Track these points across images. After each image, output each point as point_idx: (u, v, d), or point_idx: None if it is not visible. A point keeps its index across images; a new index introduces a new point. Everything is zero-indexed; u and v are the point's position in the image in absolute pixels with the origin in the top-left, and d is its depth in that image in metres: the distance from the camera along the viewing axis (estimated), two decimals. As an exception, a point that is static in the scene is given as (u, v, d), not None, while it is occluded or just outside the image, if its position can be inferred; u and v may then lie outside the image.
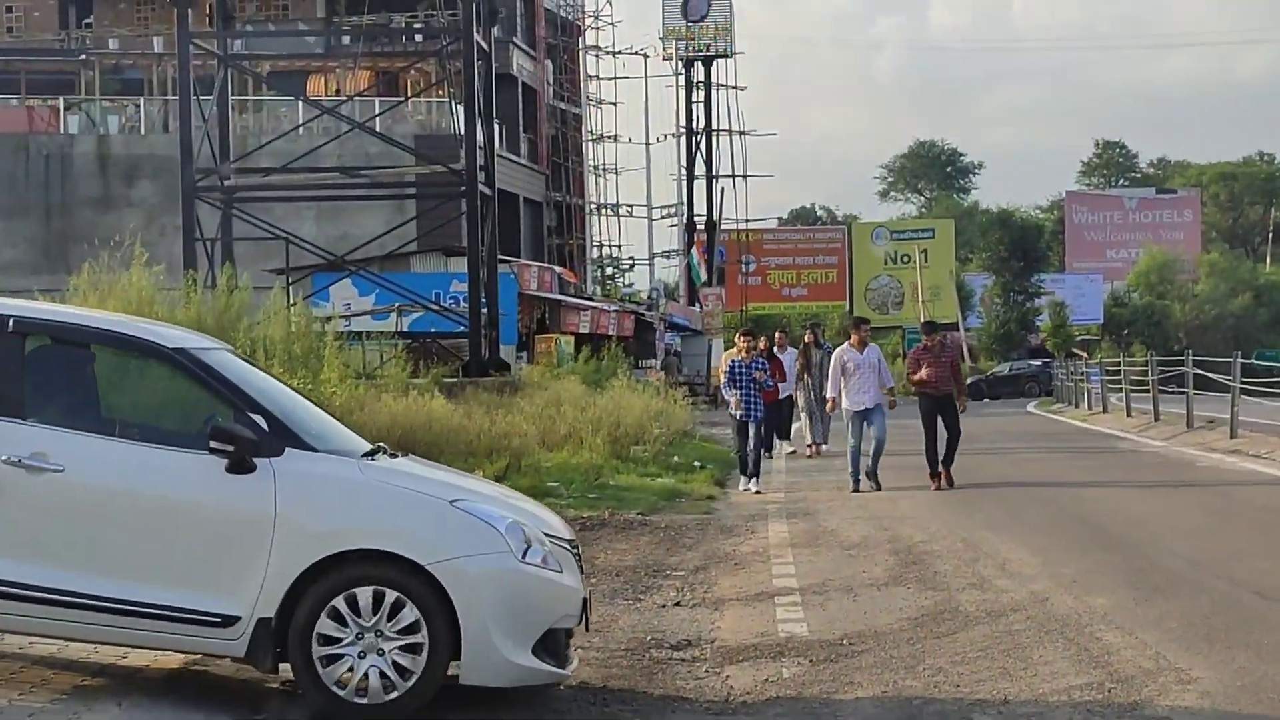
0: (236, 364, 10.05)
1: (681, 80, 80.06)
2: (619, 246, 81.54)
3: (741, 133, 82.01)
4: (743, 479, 22.48)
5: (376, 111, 48.54)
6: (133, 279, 21.83)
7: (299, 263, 38.27)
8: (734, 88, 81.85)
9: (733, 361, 22.75)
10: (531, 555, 9.05)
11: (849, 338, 22.81)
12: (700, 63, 79.89)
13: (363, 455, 9.63)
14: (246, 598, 8.82)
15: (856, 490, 21.31)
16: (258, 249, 37.35)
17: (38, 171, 52.05)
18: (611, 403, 27.71)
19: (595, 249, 77.85)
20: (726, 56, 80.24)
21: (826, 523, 18.34)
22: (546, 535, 9.35)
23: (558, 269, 57.13)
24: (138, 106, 54.63)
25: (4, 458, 8.85)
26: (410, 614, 8.80)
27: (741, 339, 23.33)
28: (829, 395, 22.71)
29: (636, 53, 78.63)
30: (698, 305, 70.99)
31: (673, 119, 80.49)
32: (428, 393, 24.08)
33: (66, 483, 8.93)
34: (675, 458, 26.22)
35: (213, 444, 8.88)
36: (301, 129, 44.79)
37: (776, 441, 28.74)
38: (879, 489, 21.33)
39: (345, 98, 49.23)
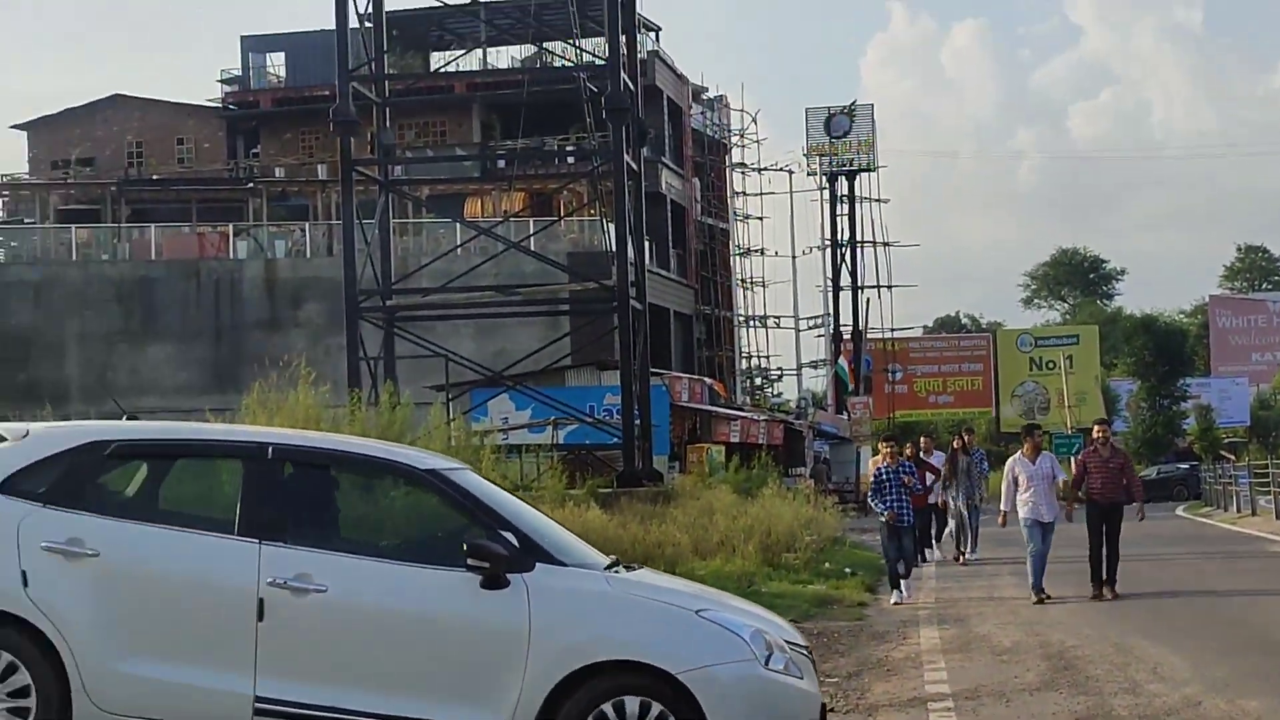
0: (482, 483, 10.22)
1: (826, 195, 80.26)
2: (767, 357, 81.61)
3: (885, 244, 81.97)
4: (893, 591, 22.14)
5: (531, 231, 49.01)
6: (300, 397, 22.09)
7: (458, 379, 38.59)
8: (877, 200, 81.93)
9: (879, 468, 22.52)
10: (774, 662, 9.11)
11: (1024, 447, 22.08)
12: (844, 177, 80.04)
13: (604, 568, 9.73)
14: (505, 709, 8.92)
15: (1039, 600, 20.38)
16: (418, 366, 37.69)
17: (208, 295, 53.05)
18: (762, 510, 27.56)
19: (744, 360, 77.92)
20: (869, 170, 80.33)
21: (978, 628, 18.12)
22: (786, 642, 9.41)
23: (708, 380, 57.19)
24: (303, 231, 55.59)
25: (270, 580, 9.03)
26: None
27: (884, 445, 23.09)
28: (1002, 509, 21.82)
29: (781, 169, 79.19)
30: (845, 414, 70.63)
31: (818, 232, 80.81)
32: (584, 503, 24.15)
33: (330, 603, 9.07)
34: (826, 564, 26.00)
35: (469, 561, 9.01)
36: (459, 249, 45.34)
37: (928, 550, 28.46)
38: (1048, 599, 20.44)
39: (501, 219, 49.73)
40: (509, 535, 9.20)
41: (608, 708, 8.90)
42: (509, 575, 9.02)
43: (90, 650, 9.00)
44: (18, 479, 9.38)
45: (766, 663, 9.07)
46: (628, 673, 8.97)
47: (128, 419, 10.81)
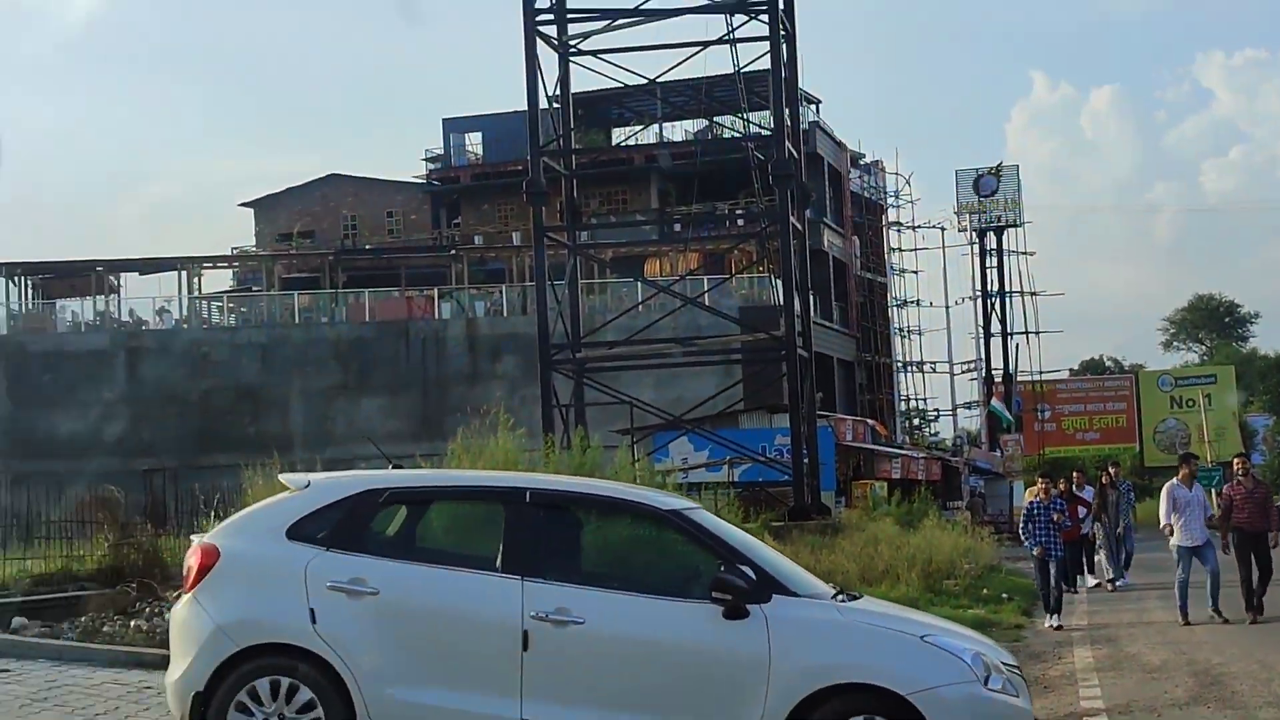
0: (718, 521, 10.33)
1: (976, 249, 79.61)
2: (924, 399, 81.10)
3: (1032, 293, 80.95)
4: (1048, 615, 21.82)
5: (705, 288, 49.17)
6: (499, 442, 22.28)
7: (641, 423, 38.74)
8: (1024, 253, 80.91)
9: (1032, 502, 22.27)
10: (993, 682, 9.13)
11: (1179, 473, 21.74)
12: (992, 232, 79.30)
13: (831, 596, 9.77)
14: None
15: (1186, 623, 20.00)
16: (605, 412, 37.92)
17: (416, 352, 53.88)
18: (923, 541, 27.40)
19: (903, 402, 77.66)
20: (1016, 226, 79.52)
21: (1128, 648, 17.86)
22: (1001, 663, 9.43)
23: (870, 421, 56.98)
24: (500, 292, 56.26)
25: (533, 613, 9.14)
26: None
27: (1041, 481, 22.85)
28: (1163, 523, 21.42)
29: (934, 226, 78.72)
30: (998, 450, 69.94)
31: (969, 283, 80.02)
32: (758, 536, 24.11)
33: (587, 634, 9.15)
34: (984, 590, 25.74)
35: (714, 594, 9.07)
36: (640, 306, 45.54)
37: (1080, 577, 28.05)
38: (1226, 621, 19.95)
39: (678, 277, 50.03)
40: (747, 569, 9.24)
41: None
42: (748, 606, 9.06)
43: (372, 680, 9.19)
44: (303, 525, 9.62)
45: (986, 682, 9.08)
46: (861, 694, 8.98)
47: (393, 467, 11.02)
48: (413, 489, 10.20)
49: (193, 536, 10.46)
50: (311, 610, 9.27)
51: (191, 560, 9.72)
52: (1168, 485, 21.52)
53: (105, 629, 16.65)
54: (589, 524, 10.06)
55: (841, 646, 9.16)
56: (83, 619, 17.26)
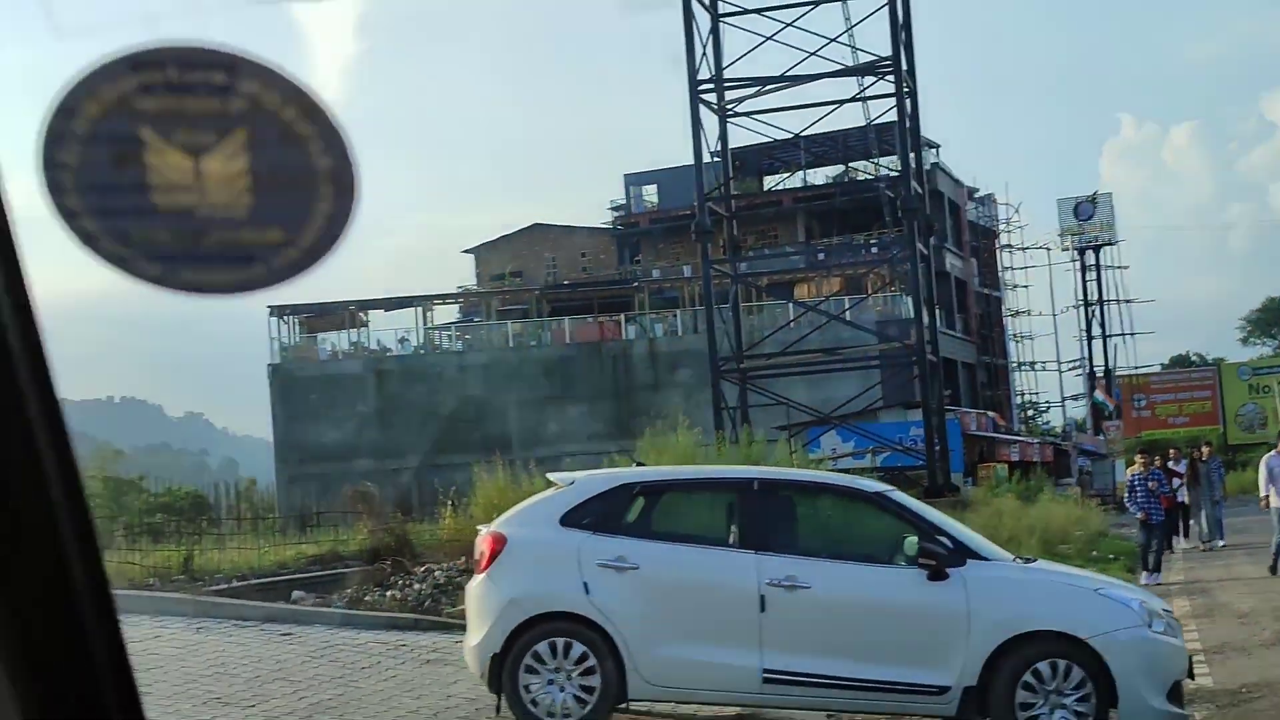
0: (913, 500, 10.42)
1: (1077, 265, 78.31)
2: (1036, 394, 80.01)
3: (1127, 301, 79.52)
4: (1144, 572, 21.33)
5: (846, 306, 48.80)
6: (679, 439, 22.34)
7: (796, 420, 38.60)
8: (1118, 267, 79.51)
9: (1133, 475, 21.92)
10: (1156, 626, 9.08)
11: (1273, 449, 21.08)
12: (1091, 250, 77.93)
13: (1013, 559, 9.81)
14: (953, 673, 8.98)
15: (1274, 574, 19.38)
16: (765, 412, 37.81)
17: (608, 367, 54.11)
18: (1040, 512, 27.01)
19: (1018, 397, 76.48)
20: (1110, 244, 78.10)
21: (1220, 598, 17.40)
22: (1160, 609, 9.39)
23: (990, 414, 56.14)
24: (675, 316, 56.28)
25: (768, 581, 9.21)
26: (1078, 676, 8.87)
27: (1139, 457, 22.52)
28: (1262, 495, 20.87)
29: (1040, 247, 77.45)
30: (1102, 435, 68.52)
31: (1072, 294, 78.79)
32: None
33: (814, 597, 9.23)
34: (1094, 552, 25.17)
35: (920, 560, 9.11)
36: (792, 323, 45.39)
37: (1176, 539, 27.33)
38: None
39: (823, 298, 49.76)
40: (944, 539, 9.30)
41: (1039, 667, 8.90)
42: (948, 570, 9.09)
43: (637, 638, 9.29)
44: (572, 514, 9.73)
45: (1150, 626, 9.02)
46: (1047, 640, 8.96)
47: (637, 465, 11.21)
48: (659, 482, 10.35)
49: (479, 528, 10.63)
50: (585, 584, 9.39)
51: (483, 546, 9.85)
52: (1265, 458, 20.94)
53: (366, 599, 16.95)
54: (807, 506, 10.15)
55: (1028, 601, 9.16)
56: (348, 591, 17.57)
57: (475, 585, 9.89)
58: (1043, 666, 8.87)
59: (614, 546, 9.50)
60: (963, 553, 9.24)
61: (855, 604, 9.27)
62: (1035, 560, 10.39)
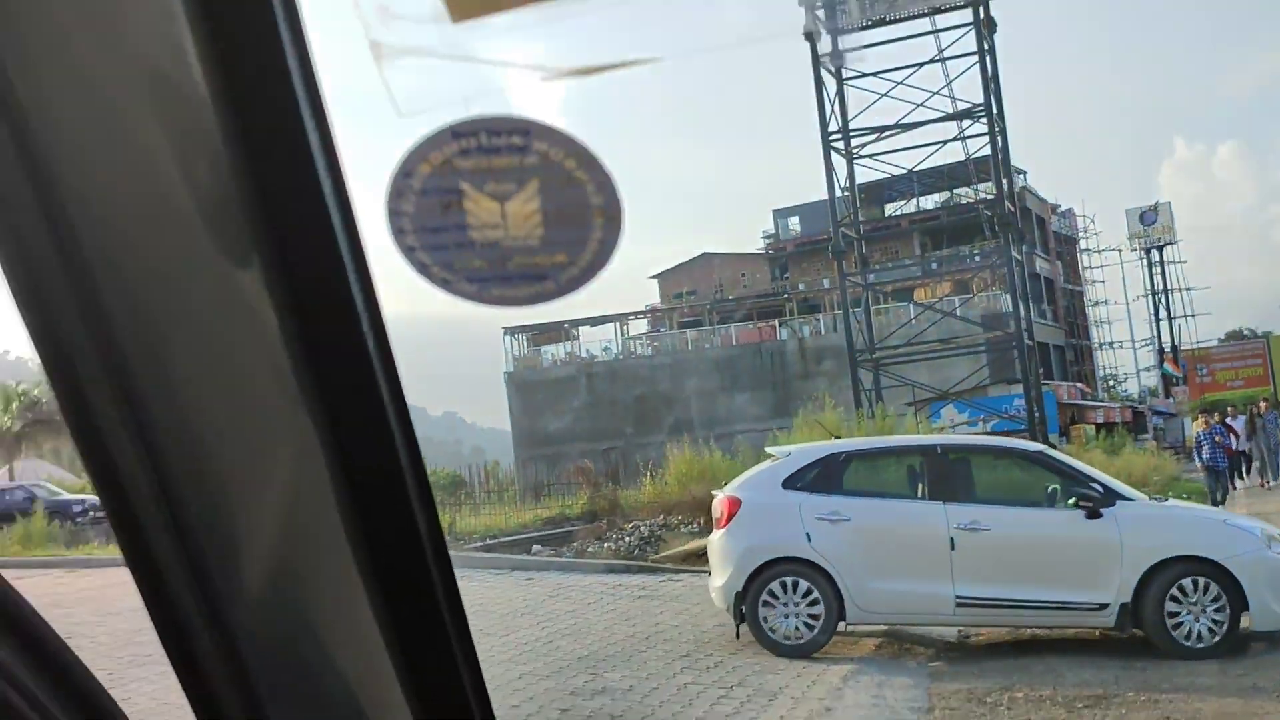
0: (1065, 456, 10.32)
1: (1144, 262, 75.52)
2: (1115, 368, 77.48)
3: (1187, 289, 77.31)
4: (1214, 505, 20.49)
5: (956, 304, 47.77)
6: (826, 417, 22.11)
7: (920, 397, 37.91)
8: (1179, 262, 76.71)
9: (1199, 431, 21.11)
10: (1274, 548, 8.83)
11: None
12: (1155, 250, 75.11)
13: (1149, 499, 9.62)
14: (1111, 592, 8.86)
15: None
16: (894, 392, 37.22)
17: (765, 363, 53.80)
18: (1124, 462, 26.07)
19: (1101, 370, 74.05)
20: (1171, 244, 75.20)
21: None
22: (1276, 534, 9.12)
23: (1079, 385, 54.41)
24: (818, 319, 55.77)
25: (956, 525, 9.15)
26: (1214, 590, 8.69)
27: (1203, 416, 21.75)
28: None
29: (1113, 249, 75.21)
30: (1171, 399, 66.02)
31: (1142, 286, 76.22)
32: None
33: (993, 536, 9.14)
34: (1169, 494, 24.11)
35: (1081, 503, 8.99)
36: (913, 320, 44.63)
37: (1237, 481, 26.12)
38: None
39: (937, 299, 48.78)
40: (1096, 486, 9.14)
41: (1183, 584, 8.73)
42: (1101, 510, 8.93)
43: (852, 576, 9.27)
44: (792, 479, 9.72)
45: (1269, 548, 8.79)
46: (1187, 563, 8.75)
47: (835, 439, 11.18)
48: (860, 450, 10.23)
49: (714, 492, 10.67)
50: (807, 534, 9.37)
51: (721, 508, 9.87)
52: None
53: (589, 550, 17.15)
54: (981, 464, 9.94)
55: (1169, 532, 8.94)
56: (574, 544, 17.79)
57: (717, 538, 9.88)
58: (1185, 583, 8.69)
59: (828, 503, 9.44)
60: (1111, 495, 9.04)
61: (1027, 541, 9.09)
62: (1166, 499, 10.08)
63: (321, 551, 0.99)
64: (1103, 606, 8.86)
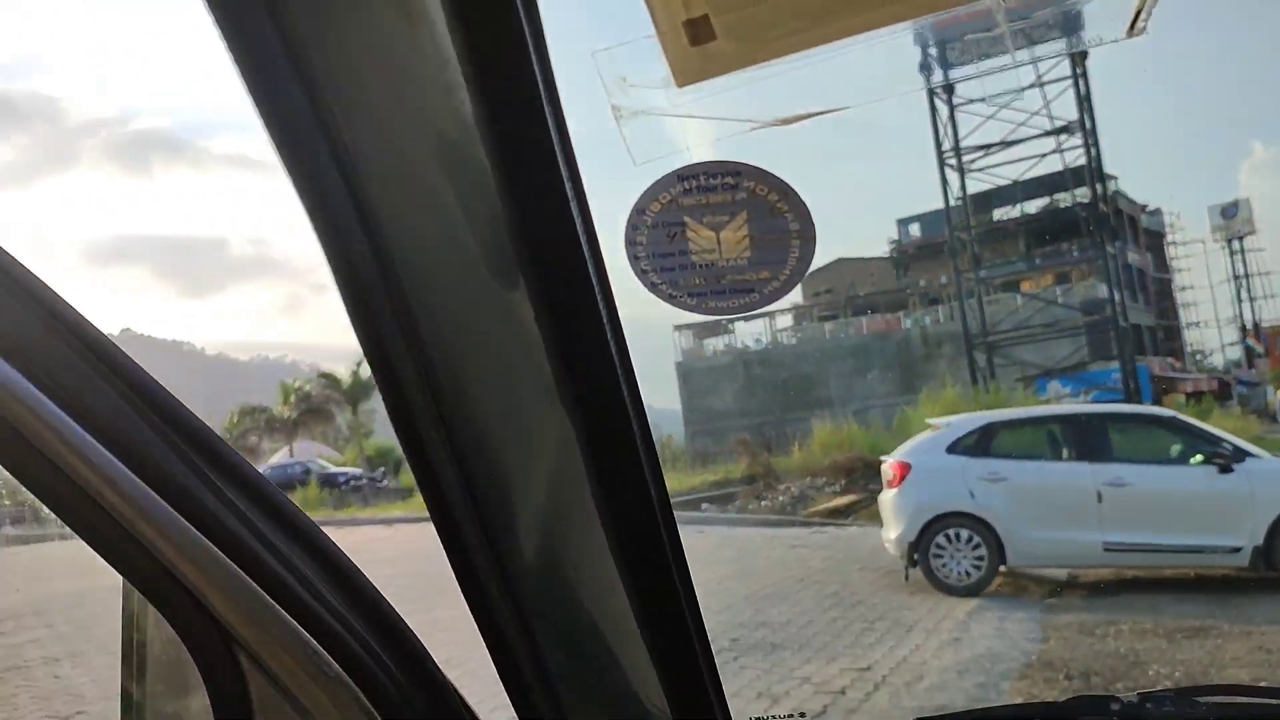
0: (1194, 420, 9.79)
1: (1226, 251, 70.87)
2: (1202, 345, 72.92)
3: (1265, 273, 71.68)
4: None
5: (1059, 293, 45.74)
6: (947, 392, 21.49)
7: (1028, 374, 36.47)
8: (1258, 250, 71.71)
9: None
10: None
11: None
12: (1236, 240, 70.43)
13: (1271, 456, 9.19)
14: (1244, 537, 8.48)
15: None
16: (1005, 370, 36.02)
17: (892, 348, 52.52)
18: (1212, 424, 24.33)
19: (1189, 347, 69.95)
20: (1251, 234, 70.44)
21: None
22: None
23: (1170, 360, 51.36)
24: (938, 310, 54.09)
25: (1103, 481, 8.86)
26: None
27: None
28: None
29: (1199, 241, 70.74)
30: (1253, 369, 61.94)
31: (1226, 271, 71.56)
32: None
33: (1136, 491, 8.83)
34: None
35: (1213, 460, 8.67)
36: (1020, 307, 42.86)
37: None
38: None
39: (1042, 290, 46.85)
40: (1225, 446, 8.76)
41: None
42: (1232, 466, 8.58)
43: (1011, 527, 9.03)
44: (954, 445, 9.49)
45: None
46: None
47: (976, 414, 10.92)
48: (1012, 420, 9.95)
49: (883, 458, 10.43)
50: (970, 492, 9.15)
51: (892, 472, 9.68)
52: None
53: (750, 508, 17.08)
54: (1118, 428, 9.54)
55: None
56: (736, 503, 17.74)
57: (889, 497, 9.67)
58: None
59: (988, 465, 9.19)
60: (1241, 453, 8.65)
61: (1166, 494, 8.70)
62: (1273, 457, 9.51)
63: (584, 548, 1.00)
64: (1236, 549, 8.42)
